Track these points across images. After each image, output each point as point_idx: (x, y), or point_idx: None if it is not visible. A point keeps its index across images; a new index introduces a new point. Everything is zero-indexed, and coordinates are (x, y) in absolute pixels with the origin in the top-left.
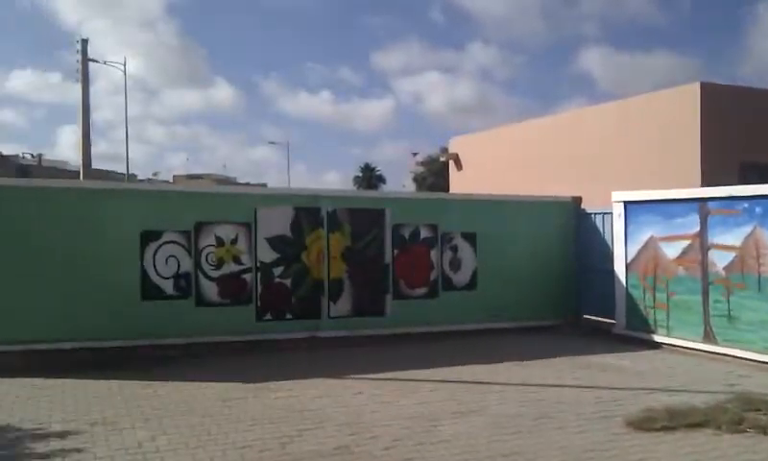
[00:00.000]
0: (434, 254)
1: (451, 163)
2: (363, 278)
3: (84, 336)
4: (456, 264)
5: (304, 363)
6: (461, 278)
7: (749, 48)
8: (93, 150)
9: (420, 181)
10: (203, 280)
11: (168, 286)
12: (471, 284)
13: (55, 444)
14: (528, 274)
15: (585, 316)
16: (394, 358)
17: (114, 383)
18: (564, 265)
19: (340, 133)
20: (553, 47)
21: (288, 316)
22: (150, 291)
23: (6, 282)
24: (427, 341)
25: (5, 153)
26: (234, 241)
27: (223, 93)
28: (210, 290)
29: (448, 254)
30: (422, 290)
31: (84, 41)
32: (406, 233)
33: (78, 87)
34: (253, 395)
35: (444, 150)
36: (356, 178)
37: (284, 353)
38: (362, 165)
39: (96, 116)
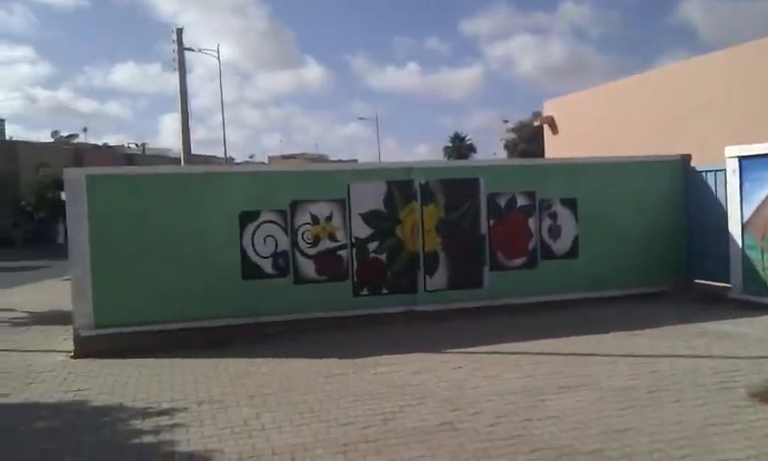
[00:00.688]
0: (532, 222)
1: (546, 127)
2: (458, 249)
3: (190, 317)
4: (555, 232)
5: (402, 338)
6: (561, 246)
7: None
8: (193, 136)
9: (511, 147)
10: (299, 258)
11: (267, 265)
12: (572, 252)
13: (164, 421)
14: (633, 238)
15: (696, 281)
16: (493, 331)
17: (220, 362)
18: (673, 228)
19: (428, 105)
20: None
21: (384, 291)
22: (250, 270)
23: (108, 269)
24: (527, 312)
25: (112, 143)
26: (329, 218)
27: (313, 73)
28: (307, 268)
29: (547, 222)
30: (520, 260)
31: (180, 30)
32: (502, 202)
33: (176, 76)
34: (353, 371)
35: (538, 114)
36: (446, 148)
37: (381, 328)
38: (451, 135)
39: (194, 103)
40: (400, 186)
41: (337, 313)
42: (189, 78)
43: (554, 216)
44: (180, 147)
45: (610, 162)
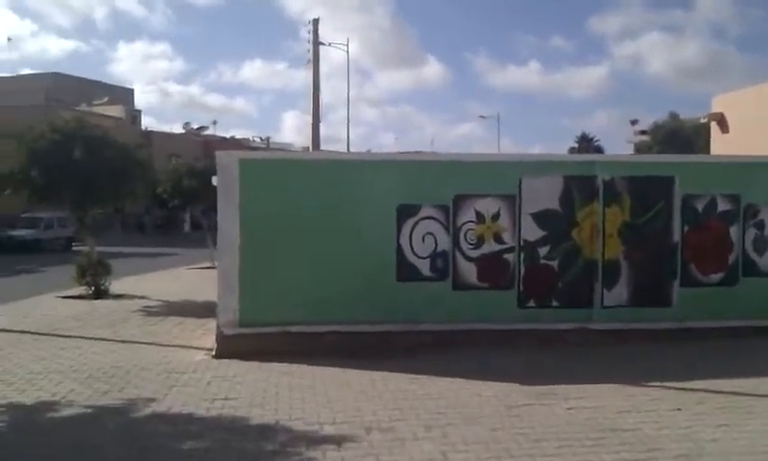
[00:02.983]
0: (734, 231)
1: (714, 125)
2: (644, 259)
3: (338, 319)
4: (762, 244)
5: (581, 361)
6: (767, 261)
7: None
8: (309, 133)
9: (643, 150)
10: (460, 261)
11: (424, 266)
12: None
13: (332, 452)
14: None
15: None
16: (693, 361)
17: (376, 375)
18: None
19: (548, 105)
20: None
21: (554, 303)
22: (406, 271)
23: (258, 263)
24: (724, 338)
25: (238, 137)
26: (496, 217)
27: (432, 71)
28: (469, 272)
29: (752, 232)
30: (718, 276)
31: (316, 21)
32: (699, 206)
33: (301, 74)
34: (539, 401)
35: (706, 115)
36: (571, 149)
37: (551, 347)
38: (578, 135)
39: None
40: (580, 183)
41: (499, 326)
42: (310, 74)
43: (761, 225)
44: (304, 141)
45: None
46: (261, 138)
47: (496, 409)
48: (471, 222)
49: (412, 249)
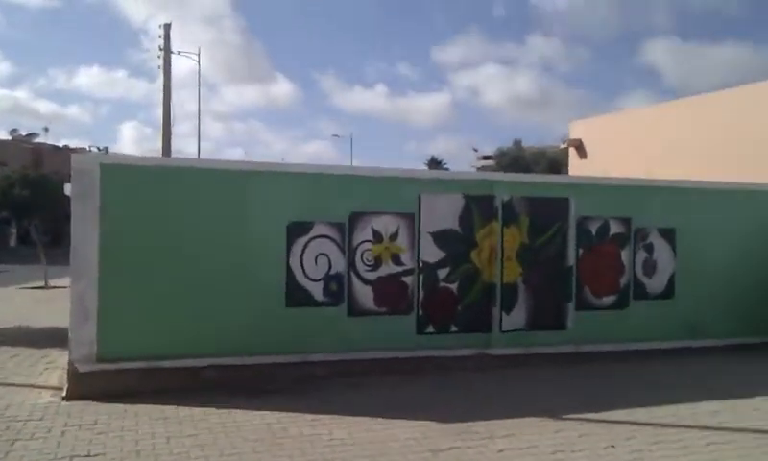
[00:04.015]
0: (625, 254)
1: (572, 151)
2: (541, 282)
3: (218, 351)
4: (651, 267)
5: (491, 392)
6: (656, 284)
7: None
8: (151, 146)
9: None
10: (357, 284)
11: (317, 290)
12: (668, 292)
13: None
14: (734, 279)
15: None
16: (599, 387)
17: (270, 417)
18: None
19: (394, 128)
20: (618, 39)
21: (453, 328)
22: (296, 296)
23: (122, 285)
24: (615, 362)
25: (72, 146)
26: (394, 236)
27: (280, 89)
28: (365, 296)
29: (642, 255)
30: (610, 299)
31: (168, 25)
32: (593, 229)
33: (142, 84)
34: (465, 443)
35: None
36: None
37: (452, 375)
38: (428, 159)
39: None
40: (479, 202)
41: (397, 354)
42: (153, 86)
43: (650, 248)
44: (150, 153)
45: (712, 188)
46: (99, 148)
47: (421, 455)
48: (368, 241)
49: (303, 271)
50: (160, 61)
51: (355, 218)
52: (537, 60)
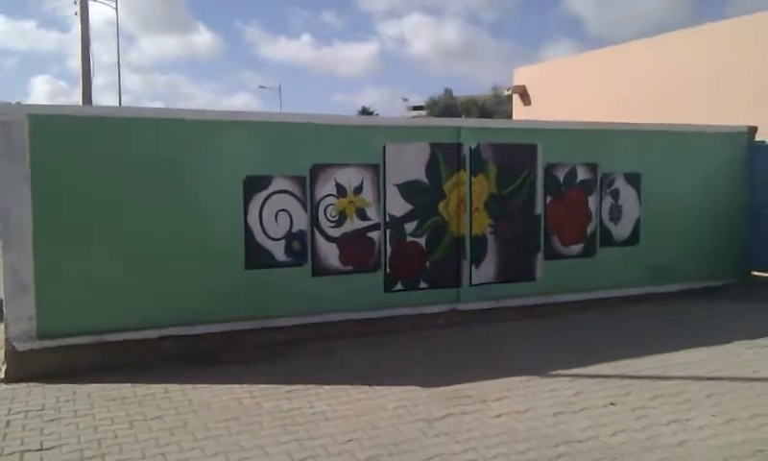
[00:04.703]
0: (592, 201)
1: (516, 98)
2: (510, 233)
3: (174, 320)
4: (617, 213)
5: (465, 349)
6: (622, 230)
7: None
8: (66, 100)
9: None
10: (320, 242)
11: (278, 250)
12: (633, 238)
13: None
14: (697, 223)
15: (755, 272)
16: (575, 340)
17: (238, 390)
18: (737, 211)
19: (321, 78)
20: None
21: (422, 285)
22: (256, 257)
23: (60, 251)
24: (585, 311)
25: None
26: (359, 189)
27: (202, 40)
28: (330, 254)
29: (608, 201)
30: (578, 247)
31: None
32: (561, 175)
33: (52, 35)
34: (458, 409)
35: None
36: None
37: (425, 333)
38: (358, 110)
39: (70, 64)
40: (446, 150)
41: (364, 314)
42: (66, 37)
43: (616, 194)
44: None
45: (675, 131)
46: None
47: (415, 426)
48: (332, 195)
49: (263, 229)
50: (75, 9)
51: (317, 171)
52: (462, 10)
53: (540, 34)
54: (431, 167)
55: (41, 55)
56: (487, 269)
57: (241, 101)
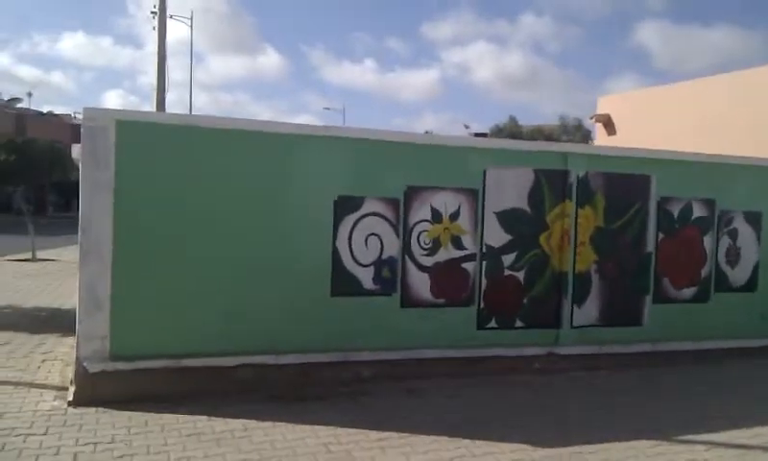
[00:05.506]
0: (708, 240)
1: (599, 127)
2: (617, 272)
3: (253, 347)
4: (734, 255)
5: (574, 402)
6: (739, 274)
7: None
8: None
9: None
10: (411, 270)
11: (367, 277)
12: (751, 284)
13: None
14: None
15: None
16: (701, 396)
17: (323, 432)
18: None
19: (382, 103)
20: (608, 20)
21: (519, 323)
22: (343, 283)
23: (141, 269)
24: (699, 362)
25: (56, 112)
26: (455, 216)
27: (268, 61)
28: (421, 285)
29: (725, 242)
30: (690, 291)
31: None
32: (675, 211)
33: (127, 52)
34: None
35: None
36: None
37: (520, 378)
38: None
39: (143, 80)
40: (551, 178)
41: (454, 353)
42: (140, 54)
43: (734, 235)
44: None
45: None
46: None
47: None
48: (426, 221)
49: (352, 254)
50: (151, 26)
51: (412, 193)
52: (527, 39)
53: (606, 65)
54: (534, 195)
55: (115, 71)
56: (590, 310)
57: (303, 121)
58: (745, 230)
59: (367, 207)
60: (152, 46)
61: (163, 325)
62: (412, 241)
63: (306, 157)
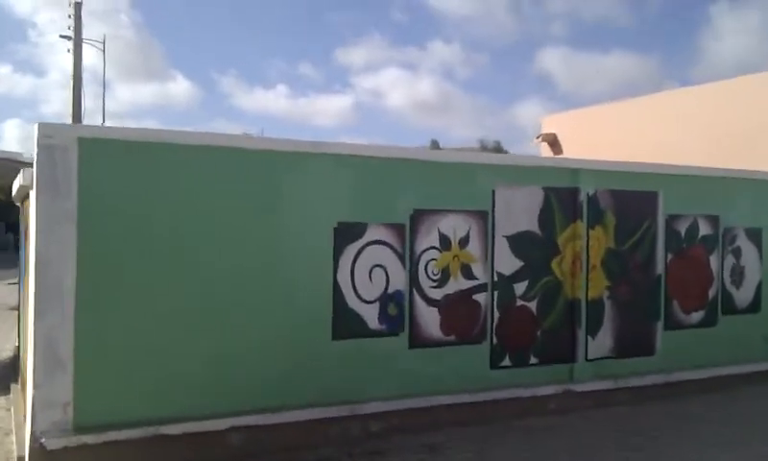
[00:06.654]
0: (714, 260)
1: (544, 146)
2: (629, 297)
3: (241, 407)
4: (738, 275)
5: (603, 450)
6: (743, 295)
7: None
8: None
9: None
10: (420, 305)
11: (371, 315)
12: (755, 305)
13: None
14: None
15: None
16: (733, 430)
17: None
18: None
19: (295, 129)
20: (514, 47)
21: (532, 360)
22: (346, 324)
23: (110, 318)
24: (711, 391)
25: None
26: (464, 241)
27: (178, 88)
28: (431, 321)
29: (730, 261)
30: (698, 315)
31: (79, 5)
32: (682, 229)
33: (27, 80)
34: None
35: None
36: None
37: (537, 421)
38: None
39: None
40: (561, 196)
41: (468, 398)
42: (41, 82)
43: (738, 253)
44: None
45: None
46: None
47: None
48: (434, 248)
49: (355, 289)
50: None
51: (418, 217)
52: (438, 66)
53: (514, 90)
54: (544, 216)
55: (14, 99)
56: (603, 340)
57: None
58: (748, 248)
59: (370, 235)
60: (55, 74)
61: (138, 385)
62: (419, 272)
63: (301, 177)
